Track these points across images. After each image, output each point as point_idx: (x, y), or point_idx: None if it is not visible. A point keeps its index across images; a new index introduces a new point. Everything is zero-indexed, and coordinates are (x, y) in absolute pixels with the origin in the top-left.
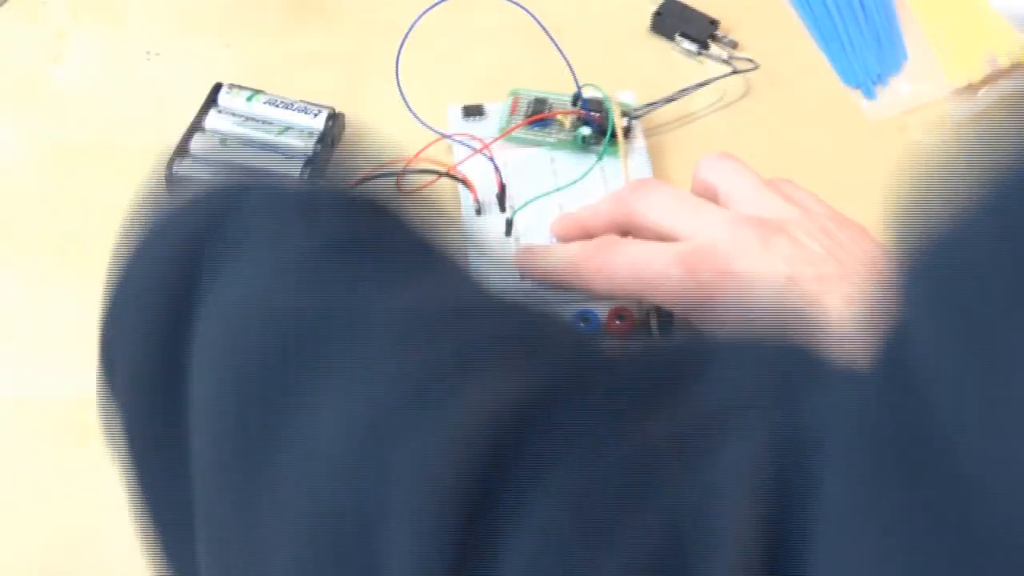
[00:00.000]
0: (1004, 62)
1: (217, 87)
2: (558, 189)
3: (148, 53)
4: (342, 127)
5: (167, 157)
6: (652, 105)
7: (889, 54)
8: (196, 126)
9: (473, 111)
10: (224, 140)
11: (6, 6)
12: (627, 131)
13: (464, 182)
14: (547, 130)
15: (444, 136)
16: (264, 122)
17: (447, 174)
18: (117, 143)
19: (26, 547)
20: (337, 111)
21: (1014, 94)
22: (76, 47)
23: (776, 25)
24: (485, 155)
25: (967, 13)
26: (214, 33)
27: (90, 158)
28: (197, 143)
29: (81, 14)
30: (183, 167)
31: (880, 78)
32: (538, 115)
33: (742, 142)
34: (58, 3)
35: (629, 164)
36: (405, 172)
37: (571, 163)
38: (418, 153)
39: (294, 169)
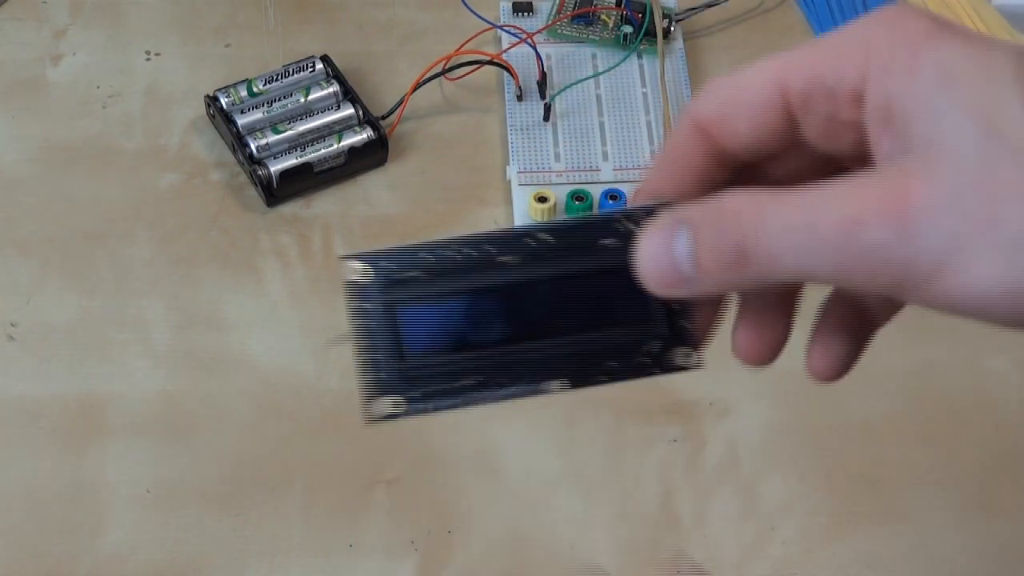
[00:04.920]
0: None
1: (214, 99)
2: (595, 75)
3: (148, 53)
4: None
5: (252, 170)
6: (694, 10)
7: None
8: (239, 135)
9: (522, 7)
10: (274, 126)
11: (6, 6)
12: (667, 32)
13: (508, 69)
14: (591, 28)
15: (493, 26)
16: (283, 96)
17: (492, 61)
18: (117, 143)
19: (27, 546)
20: (318, 55)
21: None
22: (76, 47)
23: (779, 22)
24: (529, 44)
25: (967, 13)
26: (214, 33)
27: (90, 158)
28: (259, 142)
29: (81, 14)
30: (266, 169)
31: None
32: (583, 9)
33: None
34: (58, 3)
35: (667, 65)
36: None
37: (612, 61)
38: (467, 41)
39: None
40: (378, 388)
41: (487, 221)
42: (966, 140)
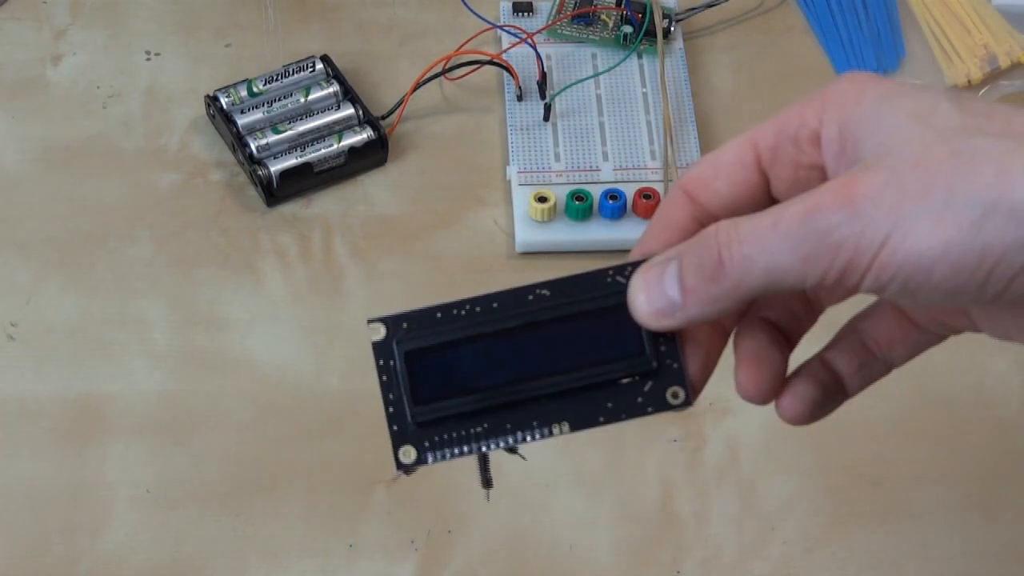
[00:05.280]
0: (1004, 62)
1: (214, 99)
2: (595, 75)
3: (148, 53)
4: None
5: (252, 170)
6: (694, 10)
7: (888, 51)
8: (239, 135)
9: (522, 7)
10: (274, 126)
11: (6, 6)
12: (667, 32)
13: (508, 69)
14: (591, 28)
15: (493, 26)
16: (283, 96)
17: (492, 61)
18: (117, 143)
19: (27, 545)
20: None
21: (1014, 94)
22: (76, 47)
23: (779, 22)
24: (529, 44)
25: (967, 12)
26: (214, 33)
27: (90, 158)
28: (259, 142)
29: (81, 14)
30: (266, 169)
31: (877, 74)
32: (583, 9)
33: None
34: (58, 3)
35: (667, 65)
36: (453, 60)
37: (612, 61)
38: (467, 41)
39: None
40: (401, 438)
41: (487, 221)
42: (902, 133)
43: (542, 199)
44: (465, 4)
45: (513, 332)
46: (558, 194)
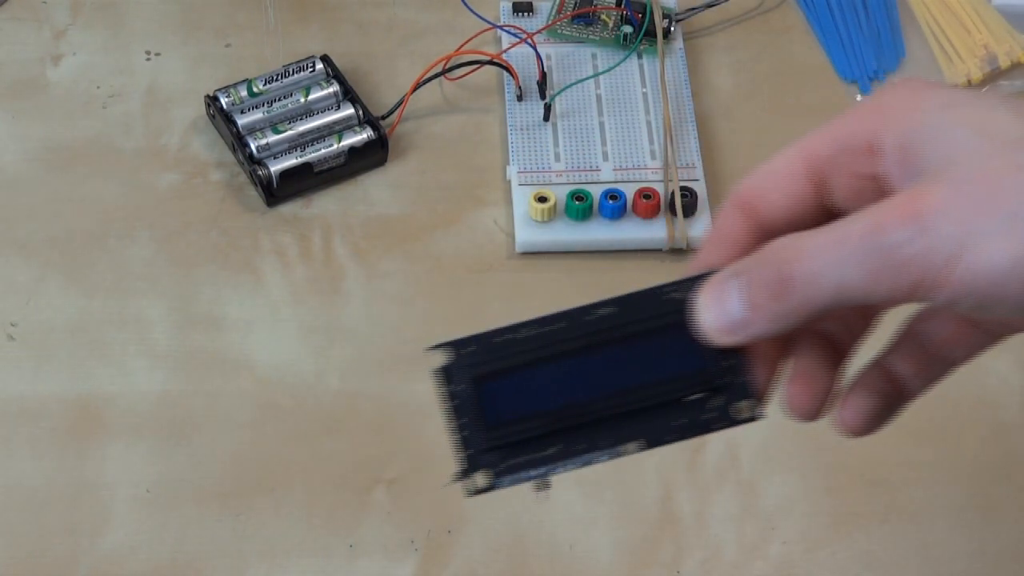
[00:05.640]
0: (1004, 62)
1: (214, 99)
2: (595, 75)
3: (148, 53)
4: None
5: (252, 170)
6: (694, 10)
7: (888, 51)
8: (239, 135)
9: (522, 7)
10: (274, 126)
11: (6, 6)
12: (667, 32)
13: (508, 69)
14: (591, 28)
15: (493, 26)
16: (283, 96)
17: (492, 61)
18: (117, 143)
19: (27, 545)
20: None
21: (1014, 94)
22: (76, 47)
23: (779, 22)
24: (529, 44)
25: (967, 12)
26: (214, 33)
27: (90, 158)
28: (259, 142)
29: (81, 14)
30: (266, 169)
31: (877, 74)
32: (583, 9)
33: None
34: (58, 3)
35: (667, 65)
36: (454, 60)
37: (612, 61)
38: (467, 41)
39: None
40: (470, 464)
41: (487, 221)
42: (964, 145)
43: (542, 199)
44: (465, 4)
45: (578, 352)
46: (558, 194)
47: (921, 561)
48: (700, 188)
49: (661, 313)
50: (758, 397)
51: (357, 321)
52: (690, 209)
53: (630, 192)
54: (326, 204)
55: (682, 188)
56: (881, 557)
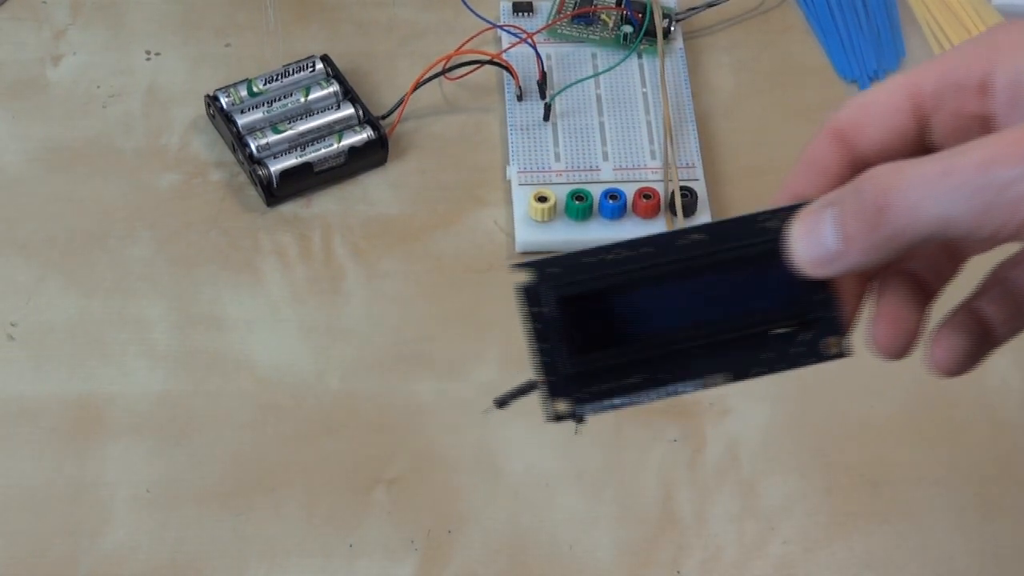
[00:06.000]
0: None
1: (214, 99)
2: (595, 75)
3: (148, 53)
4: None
5: (252, 170)
6: (694, 10)
7: (888, 50)
8: (239, 135)
9: (522, 7)
10: (274, 126)
11: (6, 6)
12: (667, 32)
13: (508, 69)
14: (591, 28)
15: (493, 25)
16: (283, 96)
17: (492, 61)
18: (117, 143)
19: (27, 546)
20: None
21: None
22: (76, 47)
23: (779, 22)
24: (528, 44)
25: (967, 12)
26: (214, 33)
27: (90, 158)
28: (259, 142)
29: (81, 14)
30: (266, 169)
31: (877, 74)
32: (583, 9)
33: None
34: (58, 3)
35: (667, 65)
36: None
37: (612, 61)
38: (467, 41)
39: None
40: (557, 390)
41: (487, 221)
42: None
43: (542, 199)
44: (465, 4)
45: (667, 277)
46: (558, 194)
47: (921, 561)
48: (700, 188)
49: (753, 242)
50: (844, 332)
51: (357, 321)
52: (690, 209)
53: (630, 192)
54: (326, 204)
55: (682, 188)
56: (881, 557)
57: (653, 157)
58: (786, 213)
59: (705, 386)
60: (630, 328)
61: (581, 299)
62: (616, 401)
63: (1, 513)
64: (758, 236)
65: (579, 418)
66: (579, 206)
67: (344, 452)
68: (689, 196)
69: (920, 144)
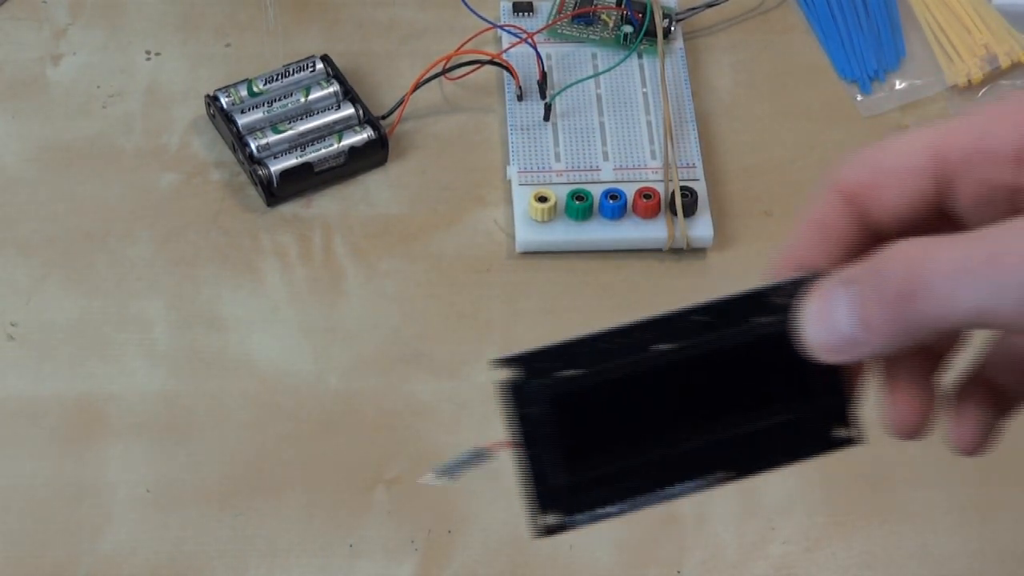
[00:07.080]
0: (1004, 62)
1: (214, 99)
2: (595, 75)
3: (148, 53)
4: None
5: (252, 170)
6: (694, 10)
7: (888, 51)
8: (239, 135)
9: (523, 7)
10: (274, 126)
11: (6, 6)
12: (667, 32)
13: (508, 69)
14: (591, 28)
15: (493, 25)
16: (283, 95)
17: (492, 61)
18: (117, 143)
19: (27, 546)
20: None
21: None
22: (76, 47)
23: (779, 22)
24: (529, 44)
25: (967, 12)
26: (214, 33)
27: (90, 158)
28: (259, 142)
29: (81, 14)
30: (266, 169)
31: (877, 74)
32: (583, 9)
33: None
34: (58, 3)
35: (667, 65)
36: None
37: (612, 61)
38: (467, 40)
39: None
40: (548, 501)
41: (487, 221)
42: None
43: (542, 199)
44: (465, 4)
45: (668, 370)
46: (558, 194)
47: (921, 561)
48: (700, 188)
49: (760, 324)
50: (857, 420)
51: (357, 321)
52: (690, 209)
53: (630, 192)
54: (326, 204)
55: (682, 188)
56: (881, 557)
57: (653, 157)
58: (794, 288)
59: (708, 487)
60: (628, 427)
61: (578, 397)
62: (612, 510)
63: (1, 513)
64: (765, 316)
65: (566, 528)
66: (579, 206)
67: (344, 452)
68: (689, 196)
69: (938, 210)
